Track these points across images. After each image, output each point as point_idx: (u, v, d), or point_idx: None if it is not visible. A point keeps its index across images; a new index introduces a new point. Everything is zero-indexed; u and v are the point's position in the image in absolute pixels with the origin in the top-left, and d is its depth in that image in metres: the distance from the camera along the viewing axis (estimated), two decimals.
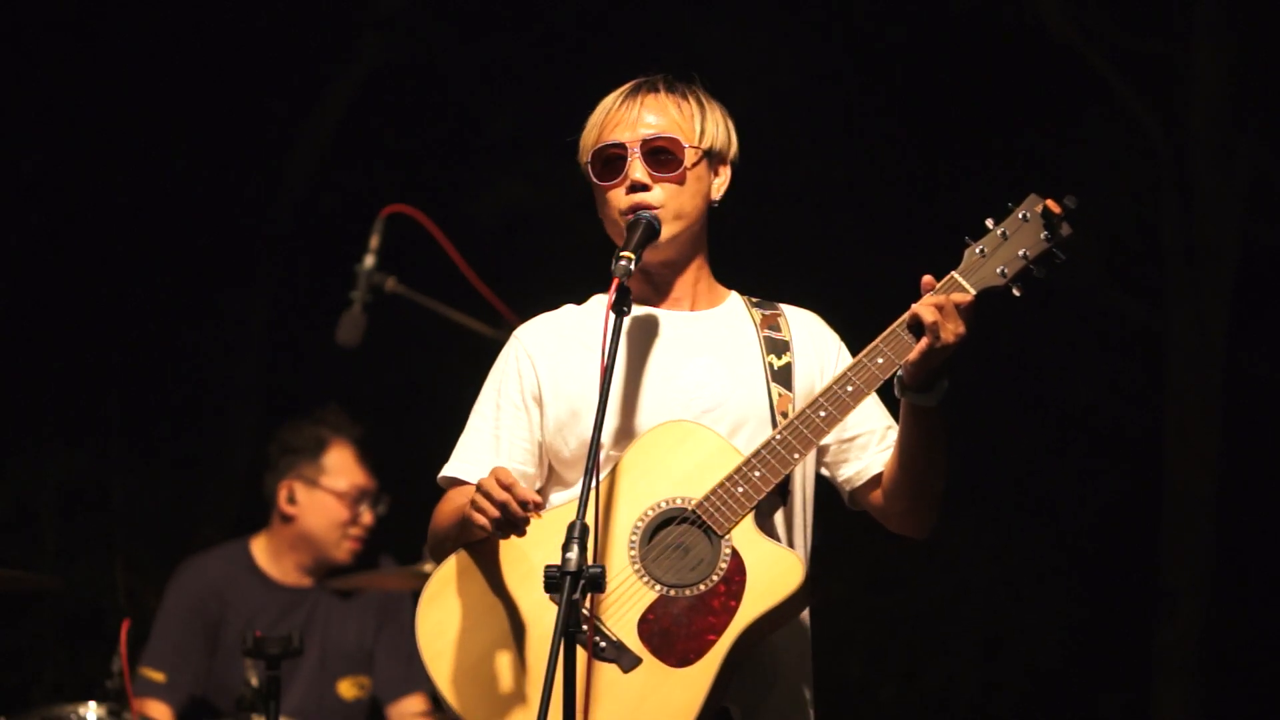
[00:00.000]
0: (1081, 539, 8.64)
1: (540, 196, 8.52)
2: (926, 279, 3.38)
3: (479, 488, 3.26)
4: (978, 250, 3.39)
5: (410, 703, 5.65)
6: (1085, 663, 8.62)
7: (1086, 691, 8.58)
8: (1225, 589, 7.81)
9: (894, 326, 3.36)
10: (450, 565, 3.39)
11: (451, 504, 3.46)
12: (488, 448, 3.49)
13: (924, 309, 3.31)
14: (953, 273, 3.37)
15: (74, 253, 8.33)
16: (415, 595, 5.64)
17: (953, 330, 3.30)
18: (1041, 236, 3.38)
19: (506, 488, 3.22)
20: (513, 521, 3.22)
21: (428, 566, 5.28)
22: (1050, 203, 3.38)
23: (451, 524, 3.41)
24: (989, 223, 3.41)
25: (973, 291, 3.36)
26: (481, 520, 3.25)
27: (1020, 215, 3.40)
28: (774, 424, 3.43)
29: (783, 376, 3.48)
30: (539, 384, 3.48)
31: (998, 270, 3.37)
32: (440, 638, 3.34)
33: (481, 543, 3.36)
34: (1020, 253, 3.38)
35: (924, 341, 3.31)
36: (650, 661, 3.26)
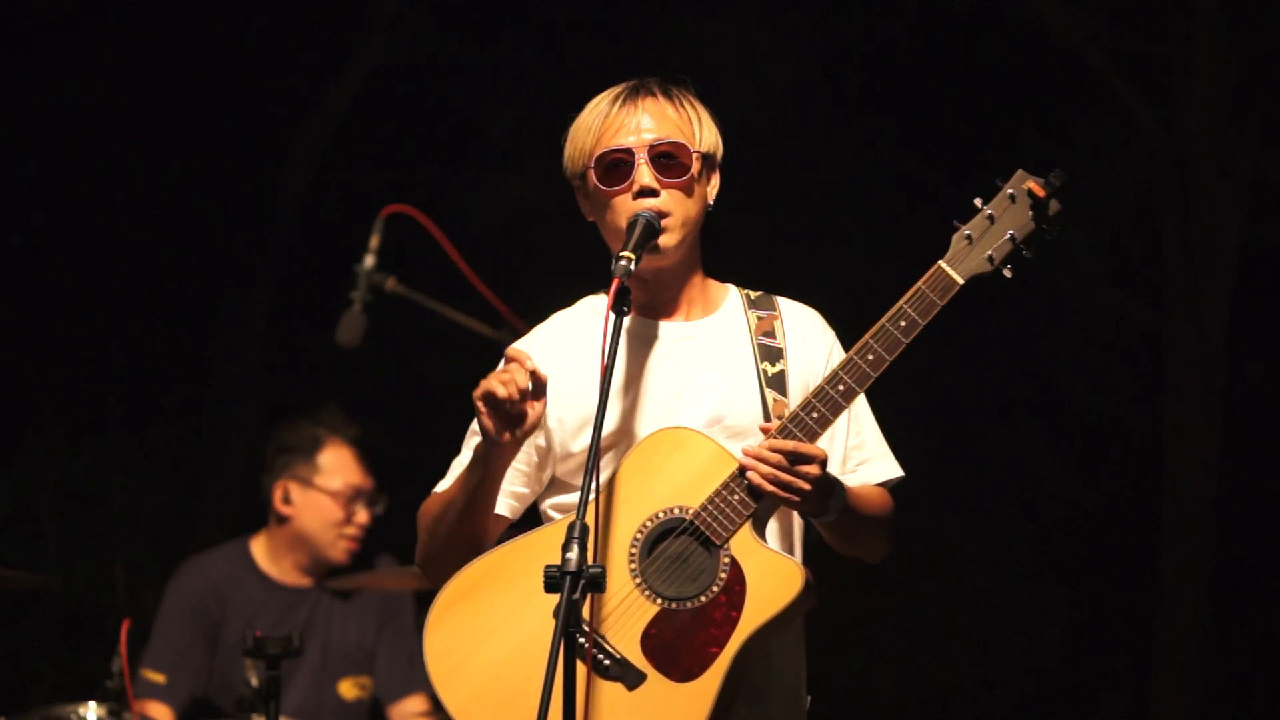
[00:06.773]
0: (1082, 538, 8.65)
1: (540, 196, 8.51)
2: (763, 426, 3.31)
3: (484, 390, 3.17)
4: (965, 235, 3.31)
5: (411, 703, 5.64)
6: (1085, 662, 8.62)
7: (1086, 691, 8.59)
8: (1225, 589, 7.81)
9: (883, 321, 3.27)
10: (453, 587, 3.33)
11: (438, 499, 3.40)
12: None
13: (752, 474, 3.24)
14: (940, 262, 3.29)
15: (75, 253, 8.34)
16: (416, 595, 5.71)
17: (792, 481, 3.22)
18: (1029, 216, 3.31)
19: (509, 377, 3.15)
20: (523, 393, 3.16)
21: None
22: (1035, 185, 3.30)
23: (454, 494, 3.34)
24: (977, 202, 3.33)
25: (961, 280, 3.29)
26: (489, 423, 3.17)
27: (1008, 194, 3.32)
28: None
29: (777, 383, 3.41)
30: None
31: (986, 256, 3.29)
32: (447, 660, 3.30)
33: (484, 562, 3.30)
34: (1008, 234, 3.30)
35: (775, 498, 3.24)
36: (654, 677, 3.22)
